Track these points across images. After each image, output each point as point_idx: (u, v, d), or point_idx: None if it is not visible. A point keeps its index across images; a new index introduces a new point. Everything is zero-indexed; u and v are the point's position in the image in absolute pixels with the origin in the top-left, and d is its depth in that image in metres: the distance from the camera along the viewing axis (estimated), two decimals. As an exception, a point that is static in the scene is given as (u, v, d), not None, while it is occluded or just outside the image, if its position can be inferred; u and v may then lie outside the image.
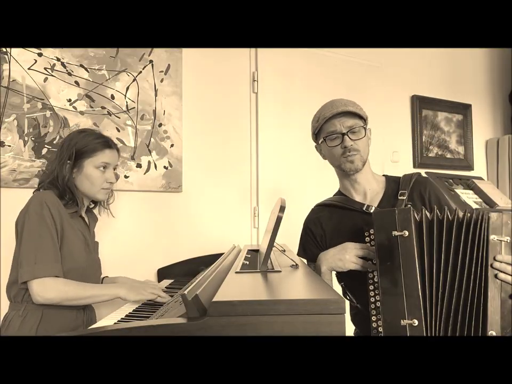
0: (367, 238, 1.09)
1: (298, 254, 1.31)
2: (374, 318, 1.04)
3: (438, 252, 0.94)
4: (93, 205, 1.44)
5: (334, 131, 1.15)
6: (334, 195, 1.32)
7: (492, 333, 0.89)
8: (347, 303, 1.13)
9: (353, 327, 1.29)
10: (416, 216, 0.98)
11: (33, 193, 1.29)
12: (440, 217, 0.96)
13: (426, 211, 0.98)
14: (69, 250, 1.22)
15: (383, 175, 1.28)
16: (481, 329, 0.90)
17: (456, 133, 2.79)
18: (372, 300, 1.05)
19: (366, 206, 1.17)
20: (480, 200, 2.37)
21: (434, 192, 1.18)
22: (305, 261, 1.29)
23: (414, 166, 2.60)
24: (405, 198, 1.15)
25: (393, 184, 1.22)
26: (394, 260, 0.97)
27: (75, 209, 1.28)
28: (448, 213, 0.96)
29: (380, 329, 1.03)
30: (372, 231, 1.08)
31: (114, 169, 1.36)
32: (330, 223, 1.24)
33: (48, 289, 1.13)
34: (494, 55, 3.00)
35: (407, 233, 0.97)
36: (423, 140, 2.65)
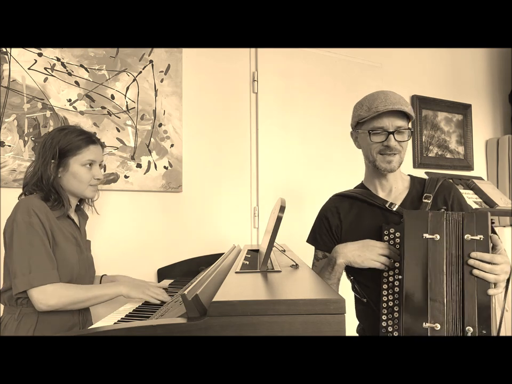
0: (386, 236, 1.08)
1: (307, 241, 1.31)
2: (384, 317, 1.04)
3: (463, 260, 0.96)
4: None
5: (381, 127, 1.12)
6: (355, 187, 1.30)
7: (469, 328, 0.92)
8: (347, 302, 1.12)
9: (356, 323, 1.28)
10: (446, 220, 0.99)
11: (18, 198, 1.26)
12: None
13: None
14: (62, 254, 1.20)
15: (408, 175, 1.27)
16: (461, 326, 0.93)
17: (456, 133, 2.79)
18: (385, 298, 1.04)
19: (389, 203, 1.15)
20: (480, 200, 2.37)
21: (457, 199, 1.18)
22: (312, 247, 1.29)
23: (414, 166, 2.60)
24: (429, 201, 1.14)
25: (418, 185, 1.21)
26: (421, 262, 0.97)
27: (62, 211, 1.25)
28: None
29: (390, 328, 1.02)
30: (392, 230, 1.08)
31: (100, 165, 1.33)
32: (349, 215, 1.22)
33: (49, 296, 1.11)
34: (494, 55, 3.00)
35: (438, 237, 0.97)
36: (423, 139, 2.65)
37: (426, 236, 0.98)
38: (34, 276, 1.11)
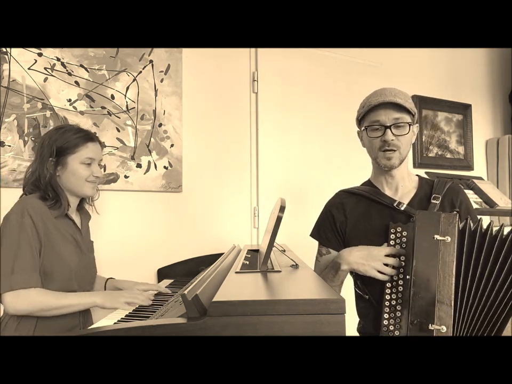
0: (392, 235, 1.08)
1: (311, 235, 1.30)
2: (386, 316, 1.03)
3: (475, 264, 0.95)
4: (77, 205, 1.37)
5: (377, 121, 1.12)
6: (362, 184, 1.30)
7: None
8: (347, 301, 1.12)
9: (356, 322, 1.28)
10: (459, 223, 0.98)
11: (20, 197, 1.26)
12: (483, 230, 0.97)
13: (470, 221, 0.98)
14: (58, 255, 1.19)
15: (416, 175, 1.26)
16: (484, 332, 0.93)
17: (456, 133, 2.79)
18: (388, 297, 1.04)
19: (397, 202, 1.15)
20: (480, 200, 2.37)
21: (465, 202, 1.18)
22: (316, 242, 1.29)
23: (414, 166, 2.60)
24: (438, 202, 1.13)
25: (426, 186, 1.21)
26: (431, 263, 0.96)
27: (60, 211, 1.24)
28: (492, 228, 0.97)
29: (391, 327, 1.02)
30: (399, 229, 1.07)
31: (99, 164, 1.33)
32: (355, 212, 1.21)
33: (19, 300, 1.09)
34: (494, 55, 3.00)
35: (449, 239, 0.97)
36: (423, 139, 2.65)
37: (437, 237, 0.97)
38: (15, 277, 1.09)
